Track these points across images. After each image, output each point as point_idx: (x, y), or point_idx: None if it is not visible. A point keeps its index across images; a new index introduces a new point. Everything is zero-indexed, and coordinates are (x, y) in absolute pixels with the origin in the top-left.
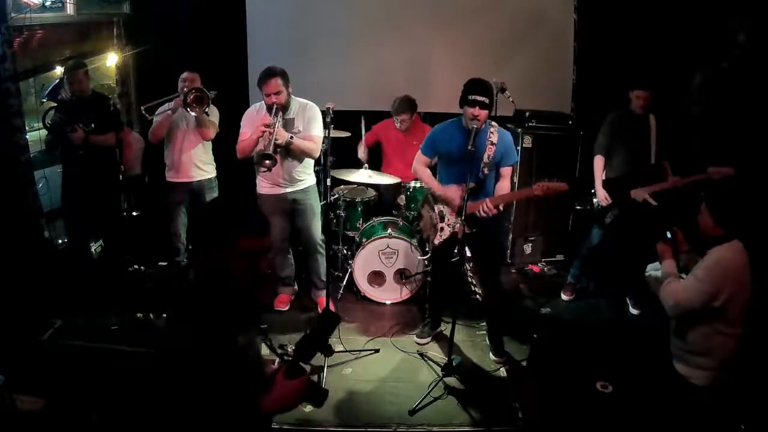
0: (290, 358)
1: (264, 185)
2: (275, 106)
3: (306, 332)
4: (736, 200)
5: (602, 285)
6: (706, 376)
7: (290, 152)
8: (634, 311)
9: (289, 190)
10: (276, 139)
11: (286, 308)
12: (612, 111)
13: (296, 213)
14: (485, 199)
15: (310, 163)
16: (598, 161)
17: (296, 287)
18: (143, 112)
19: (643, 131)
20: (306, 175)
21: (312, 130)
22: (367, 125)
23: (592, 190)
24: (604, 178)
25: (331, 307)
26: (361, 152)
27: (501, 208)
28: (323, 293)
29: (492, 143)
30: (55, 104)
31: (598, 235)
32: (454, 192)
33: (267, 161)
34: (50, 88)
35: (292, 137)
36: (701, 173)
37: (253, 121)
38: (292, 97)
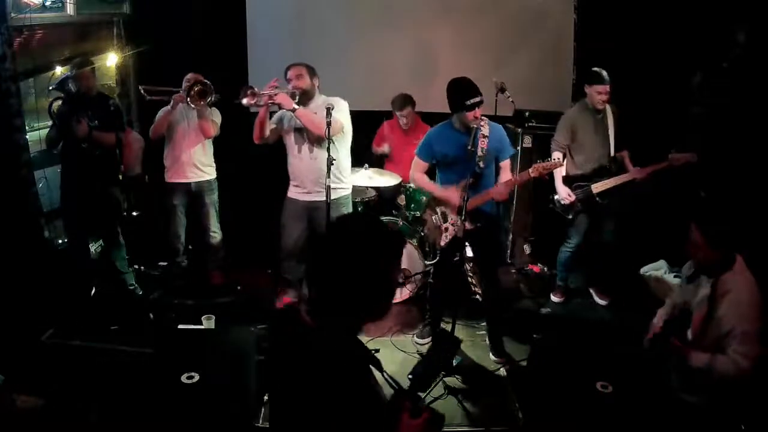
0: (408, 390)
1: (295, 190)
2: (294, 90)
3: (422, 357)
4: (727, 218)
5: (601, 285)
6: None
7: (311, 139)
8: (600, 301)
9: (319, 198)
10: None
11: None
12: (568, 108)
13: (316, 222)
14: (496, 185)
15: (345, 164)
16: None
17: (304, 290)
18: (142, 91)
19: (603, 125)
20: (339, 180)
21: (335, 113)
22: (370, 131)
23: (552, 197)
24: (564, 174)
25: None
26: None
27: (507, 192)
28: None
29: (484, 135)
30: (62, 95)
31: (575, 235)
32: (453, 193)
33: (245, 94)
34: (59, 80)
35: (298, 104)
36: (662, 161)
37: None
38: (320, 94)
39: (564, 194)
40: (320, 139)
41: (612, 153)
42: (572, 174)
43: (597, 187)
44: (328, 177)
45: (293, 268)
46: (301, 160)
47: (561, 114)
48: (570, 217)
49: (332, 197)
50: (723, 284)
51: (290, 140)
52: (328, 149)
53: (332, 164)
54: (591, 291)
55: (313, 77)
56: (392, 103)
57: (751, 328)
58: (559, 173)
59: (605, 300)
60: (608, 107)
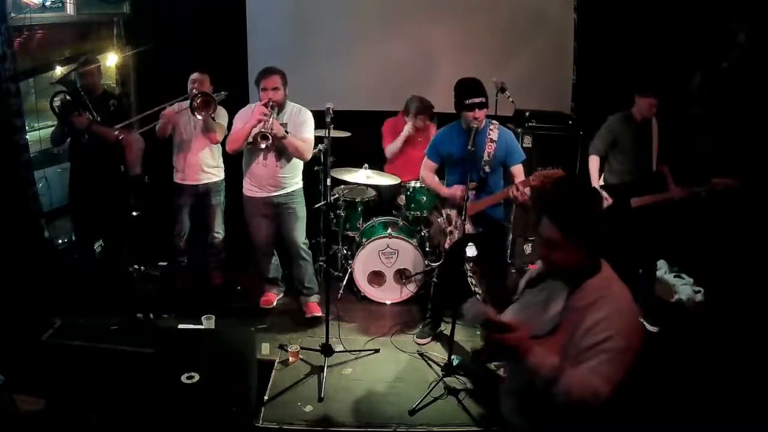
0: None
1: (250, 188)
2: (271, 102)
3: None
4: (591, 207)
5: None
6: None
7: (282, 152)
8: (652, 329)
9: (274, 194)
10: (272, 129)
11: (271, 307)
12: (614, 113)
13: (280, 217)
14: (514, 185)
15: (298, 168)
16: (594, 161)
17: (283, 287)
18: (117, 131)
19: (647, 136)
20: (293, 180)
21: (304, 132)
22: (368, 130)
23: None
24: (602, 183)
25: (319, 312)
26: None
27: (528, 193)
28: (311, 299)
29: (491, 140)
30: (64, 90)
31: None
32: (457, 191)
33: (264, 141)
34: (63, 75)
35: (287, 132)
36: (704, 183)
37: (245, 119)
38: (287, 101)
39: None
40: (286, 150)
41: (654, 167)
42: (609, 182)
43: (636, 202)
44: (328, 177)
45: (269, 264)
46: (265, 167)
47: (561, 114)
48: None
49: (289, 190)
50: (589, 292)
51: (255, 148)
52: (326, 156)
53: (330, 163)
54: (641, 320)
55: (285, 86)
56: (415, 108)
57: (626, 345)
58: (595, 177)
59: (656, 327)
60: (653, 118)
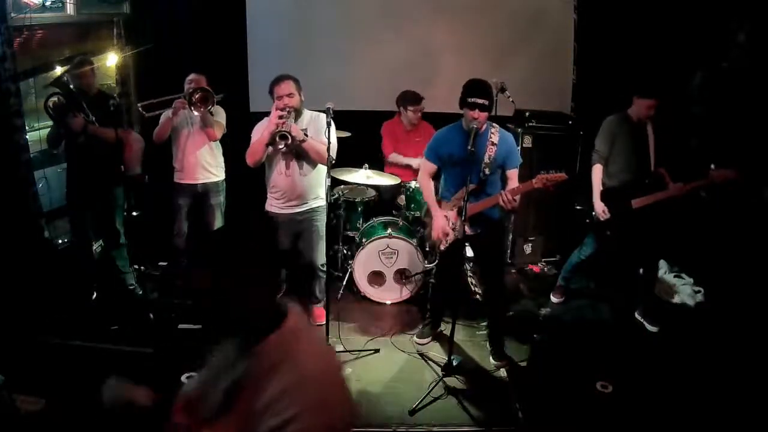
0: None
1: (273, 204)
2: (288, 108)
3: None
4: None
5: (601, 285)
6: None
7: (304, 159)
8: (652, 328)
9: (298, 210)
10: (290, 130)
11: None
12: (609, 115)
13: (301, 234)
14: (503, 191)
15: (322, 177)
16: (597, 171)
17: (283, 287)
18: (140, 109)
19: (643, 137)
20: (318, 192)
21: (322, 136)
22: (368, 129)
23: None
24: (602, 188)
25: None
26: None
27: (517, 200)
28: (320, 305)
29: (493, 143)
30: (59, 92)
31: (590, 245)
32: (440, 222)
33: (283, 140)
34: (56, 77)
35: (306, 135)
36: (703, 178)
37: (262, 130)
38: (305, 109)
39: (599, 210)
40: (310, 158)
41: (652, 167)
42: (608, 185)
43: (637, 203)
44: (328, 177)
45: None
46: (289, 177)
47: (561, 114)
48: (608, 233)
49: (313, 206)
50: (268, 353)
51: (277, 157)
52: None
53: (330, 163)
54: (641, 320)
55: (300, 91)
56: (404, 99)
57: (321, 424)
58: (598, 188)
59: (656, 327)
60: (649, 120)
